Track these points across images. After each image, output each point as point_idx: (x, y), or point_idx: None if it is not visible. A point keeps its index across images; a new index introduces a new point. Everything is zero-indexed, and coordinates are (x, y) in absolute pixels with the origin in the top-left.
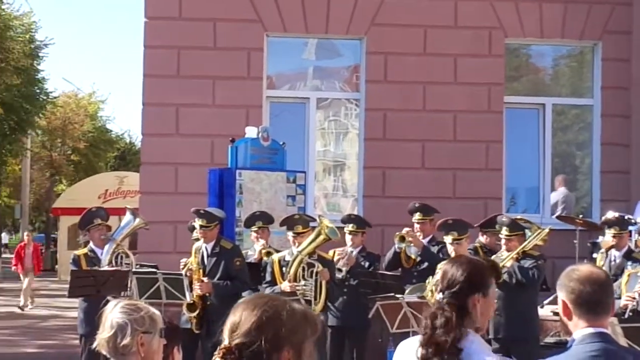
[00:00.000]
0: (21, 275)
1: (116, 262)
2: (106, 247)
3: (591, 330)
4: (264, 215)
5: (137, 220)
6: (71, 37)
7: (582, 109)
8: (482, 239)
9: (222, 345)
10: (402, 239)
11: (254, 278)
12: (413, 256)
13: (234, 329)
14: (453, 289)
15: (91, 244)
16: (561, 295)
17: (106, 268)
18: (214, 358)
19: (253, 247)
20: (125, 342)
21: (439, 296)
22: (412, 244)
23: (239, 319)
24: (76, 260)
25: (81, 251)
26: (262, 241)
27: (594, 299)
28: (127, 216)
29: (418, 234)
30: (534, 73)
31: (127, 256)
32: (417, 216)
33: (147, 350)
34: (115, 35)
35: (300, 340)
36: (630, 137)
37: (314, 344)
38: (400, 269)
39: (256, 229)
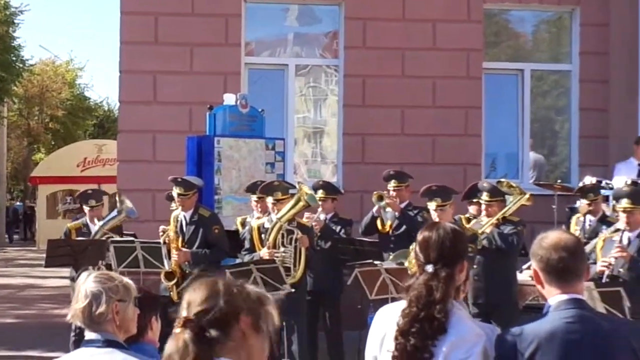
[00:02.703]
0: None
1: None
2: (95, 228)
3: (565, 296)
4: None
5: (122, 215)
6: (47, 4)
7: (561, 75)
8: (472, 209)
9: (181, 316)
10: (380, 197)
11: (234, 246)
12: (389, 222)
13: (190, 303)
14: (446, 259)
15: (86, 219)
16: (533, 263)
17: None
18: (174, 330)
19: (253, 214)
20: (100, 310)
21: (429, 267)
22: (389, 208)
23: (195, 293)
24: (67, 234)
25: (74, 224)
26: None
27: (562, 266)
28: (114, 212)
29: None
30: (513, 38)
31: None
32: (392, 183)
33: (122, 318)
34: (93, 2)
35: (257, 307)
36: (608, 102)
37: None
38: (378, 235)
39: (256, 198)
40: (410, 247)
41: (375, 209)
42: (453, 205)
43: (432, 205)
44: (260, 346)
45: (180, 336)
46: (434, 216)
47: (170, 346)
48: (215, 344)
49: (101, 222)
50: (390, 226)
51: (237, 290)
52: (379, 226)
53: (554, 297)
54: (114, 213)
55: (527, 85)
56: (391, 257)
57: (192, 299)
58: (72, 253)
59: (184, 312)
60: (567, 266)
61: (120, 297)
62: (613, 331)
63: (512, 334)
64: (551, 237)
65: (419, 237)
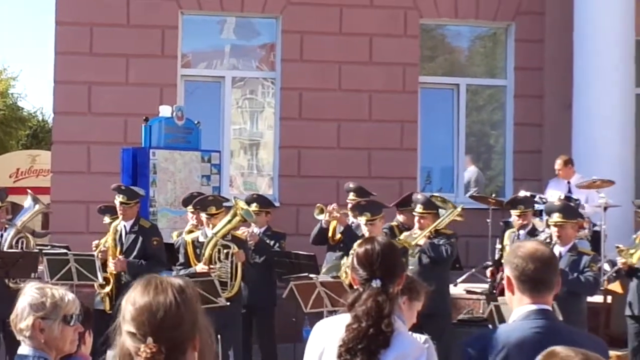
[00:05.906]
0: None
1: (18, 247)
2: (6, 232)
3: (535, 307)
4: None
5: (37, 206)
6: None
7: (496, 89)
8: (400, 217)
9: (149, 345)
10: (322, 210)
11: (169, 258)
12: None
13: (151, 317)
14: (391, 274)
15: None
16: (507, 271)
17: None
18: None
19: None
20: (21, 325)
21: (377, 282)
22: (336, 221)
23: (155, 305)
24: None
25: None
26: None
27: (536, 277)
28: (28, 201)
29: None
30: (449, 53)
31: (29, 241)
32: (350, 196)
33: (47, 336)
34: (27, 11)
35: (203, 326)
36: (542, 117)
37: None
38: (327, 245)
39: (192, 209)
40: (342, 262)
41: (324, 220)
42: (383, 219)
43: (362, 220)
44: None
45: None
46: (365, 230)
47: None
48: None
49: (15, 217)
50: (340, 238)
51: (196, 303)
52: (329, 238)
53: (524, 306)
54: (29, 203)
55: (462, 100)
56: (323, 271)
57: (155, 313)
58: (2, 265)
59: (139, 327)
60: (541, 277)
61: (44, 314)
62: (579, 344)
63: (483, 338)
64: (528, 246)
65: (358, 251)
